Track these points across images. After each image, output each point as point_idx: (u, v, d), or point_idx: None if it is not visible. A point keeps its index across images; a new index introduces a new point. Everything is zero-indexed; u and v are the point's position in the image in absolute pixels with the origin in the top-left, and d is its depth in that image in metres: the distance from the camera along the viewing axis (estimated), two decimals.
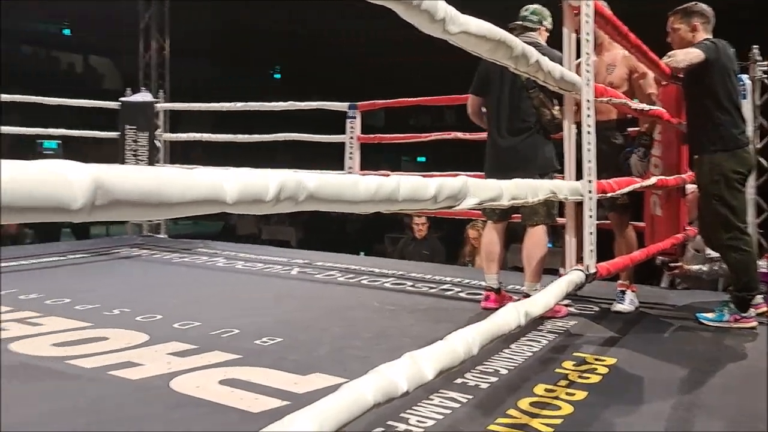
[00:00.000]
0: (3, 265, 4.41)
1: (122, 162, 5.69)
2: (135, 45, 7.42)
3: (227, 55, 15.31)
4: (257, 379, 2.19)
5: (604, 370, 2.38)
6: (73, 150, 9.51)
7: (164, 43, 7.19)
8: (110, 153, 5.95)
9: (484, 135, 3.49)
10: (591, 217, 2.51)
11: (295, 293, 3.78)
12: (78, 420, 1.87)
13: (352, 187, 1.00)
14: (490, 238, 3.39)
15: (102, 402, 2.01)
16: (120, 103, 5.81)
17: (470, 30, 1.40)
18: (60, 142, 9.22)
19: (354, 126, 4.89)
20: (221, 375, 2.23)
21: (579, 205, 2.58)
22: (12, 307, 3.17)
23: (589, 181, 2.51)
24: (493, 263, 3.34)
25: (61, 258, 4.83)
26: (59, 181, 0.58)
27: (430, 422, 1.86)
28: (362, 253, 6.70)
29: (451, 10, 1.30)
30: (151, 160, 5.65)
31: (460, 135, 4.71)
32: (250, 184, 0.79)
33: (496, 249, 3.35)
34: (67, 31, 13.49)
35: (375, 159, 5.40)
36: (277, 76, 17.89)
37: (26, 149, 9.31)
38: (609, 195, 2.76)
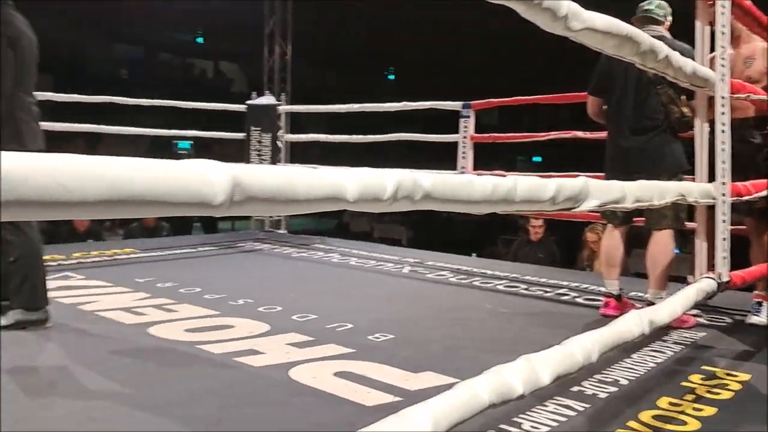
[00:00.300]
0: (143, 255, 4.84)
1: (247, 161, 6.04)
2: (260, 51, 7.84)
3: (343, 58, 15.77)
4: (370, 373, 2.25)
5: (737, 387, 2.20)
6: (203, 149, 10.23)
7: (286, 48, 7.52)
8: (236, 152, 6.33)
9: (604, 134, 3.34)
10: (724, 221, 2.34)
11: (407, 291, 3.83)
12: (211, 401, 2.01)
13: (468, 186, 1.00)
14: (610, 242, 3.24)
15: (229, 386, 2.14)
16: (246, 106, 6.16)
17: (595, 26, 1.35)
18: (192, 142, 9.94)
19: (467, 125, 4.86)
20: (336, 367, 2.31)
21: (711, 208, 2.42)
22: (150, 294, 3.46)
23: (723, 183, 2.35)
24: (614, 268, 3.19)
25: (192, 250, 5.20)
26: (203, 179, 0.63)
27: (544, 428, 1.81)
28: (474, 254, 6.66)
29: (574, 6, 1.27)
30: (273, 160, 5.95)
31: (579, 134, 4.54)
32: (370, 183, 0.82)
33: (618, 253, 3.20)
34: (200, 40, 14.52)
35: (489, 159, 5.34)
36: (391, 77, 18.15)
37: (163, 149, 10.13)
38: (745, 198, 2.55)
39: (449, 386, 1.16)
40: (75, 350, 2.48)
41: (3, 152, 0.51)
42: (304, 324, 2.92)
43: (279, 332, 2.76)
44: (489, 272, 4.37)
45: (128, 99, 5.67)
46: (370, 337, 2.72)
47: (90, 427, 1.80)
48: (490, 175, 3.75)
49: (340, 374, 2.24)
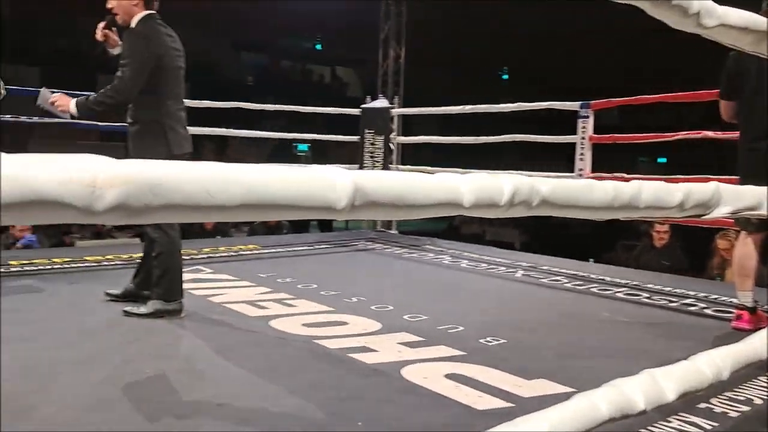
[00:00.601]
0: (265, 251, 5.10)
1: (360, 163, 6.19)
2: (375, 55, 8.01)
3: (457, 58, 15.72)
4: (481, 377, 2.24)
5: None
6: (319, 151, 10.63)
7: (400, 51, 7.62)
8: (351, 154, 6.52)
9: (737, 134, 3.10)
10: None
11: (520, 296, 3.76)
12: (327, 393, 2.09)
13: (588, 191, 0.98)
14: (744, 251, 3.00)
15: (343, 380, 2.22)
16: (361, 109, 6.32)
17: (730, 22, 1.27)
18: (309, 144, 10.37)
19: (586, 126, 4.69)
20: (447, 369, 2.32)
21: None
22: (271, 289, 3.65)
23: None
24: (748, 279, 2.96)
25: (309, 248, 5.42)
26: (328, 185, 0.68)
27: None
28: (591, 260, 6.40)
29: (707, 2, 1.19)
30: (386, 162, 6.06)
31: (710, 134, 4.24)
32: (486, 188, 0.82)
33: (752, 263, 2.96)
34: (318, 46, 15.08)
35: (608, 160, 5.10)
36: (505, 77, 17.85)
37: (284, 150, 10.65)
38: None
39: (563, 395, 1.14)
40: (206, 339, 2.67)
41: (158, 161, 0.57)
42: (415, 324, 2.96)
43: (391, 331, 2.82)
44: (608, 279, 4.19)
45: (254, 104, 6.02)
46: (481, 341, 2.70)
47: (217, 412, 1.93)
48: (611, 178, 3.61)
49: (450, 376, 2.25)
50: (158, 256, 3.00)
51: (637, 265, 5.28)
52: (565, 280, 4.15)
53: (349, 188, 0.69)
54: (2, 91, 3.91)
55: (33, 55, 10.03)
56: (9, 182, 0.48)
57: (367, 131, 6.17)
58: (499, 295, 3.74)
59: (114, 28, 3.02)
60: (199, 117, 7.98)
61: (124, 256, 4.45)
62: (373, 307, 3.25)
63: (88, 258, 4.47)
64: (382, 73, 7.83)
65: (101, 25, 3.00)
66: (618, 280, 4.13)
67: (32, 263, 4.20)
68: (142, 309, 2.99)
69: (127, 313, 2.98)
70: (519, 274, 4.39)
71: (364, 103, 6.45)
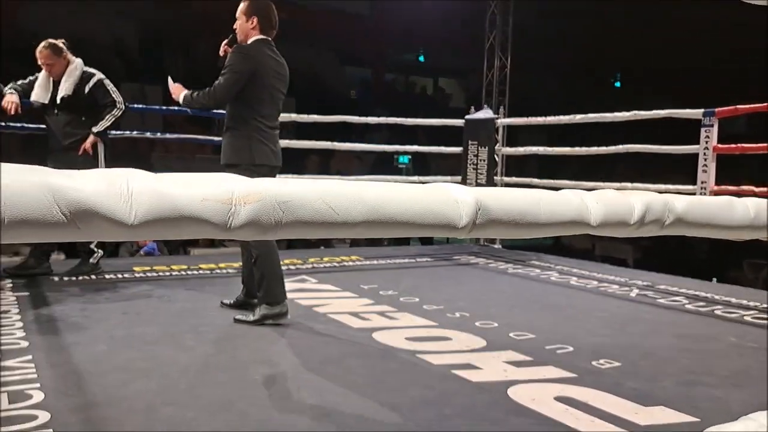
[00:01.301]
0: (367, 263, 5.16)
1: (464, 175, 6.12)
2: (477, 66, 7.95)
3: (566, 65, 15.27)
4: (594, 401, 2.12)
5: None
6: (420, 163, 10.66)
7: (506, 61, 7.50)
8: (454, 166, 6.47)
9: None
10: None
11: (635, 316, 3.55)
12: (429, 410, 2.06)
13: (727, 209, 0.89)
14: None
15: (447, 397, 2.18)
16: (464, 120, 6.27)
17: None
18: (410, 156, 10.42)
19: (710, 135, 4.37)
20: (557, 391, 2.22)
21: None
22: (373, 301, 3.68)
23: None
24: None
25: (411, 260, 5.42)
26: (449, 203, 0.65)
27: None
28: (714, 279, 5.95)
29: None
30: (490, 174, 5.96)
31: None
32: (615, 206, 0.77)
33: None
34: (421, 58, 15.21)
35: (734, 172, 4.73)
36: (618, 84, 17.11)
37: (387, 162, 10.78)
38: None
39: (687, 425, 1.04)
40: (311, 349, 2.73)
41: (287, 179, 0.58)
42: (521, 342, 2.86)
43: (496, 348, 2.74)
44: (733, 300, 3.87)
45: (356, 117, 6.15)
46: (593, 363, 2.57)
47: (320, 423, 1.96)
48: (737, 191, 3.35)
49: (560, 399, 2.15)
50: (256, 261, 3.14)
51: (766, 285, 4.84)
52: (686, 301, 3.87)
53: (471, 206, 0.67)
54: (122, 107, 4.23)
55: (156, 74, 10.82)
56: (155, 199, 0.50)
57: (470, 142, 6.10)
58: (613, 315, 3.55)
59: (234, 46, 3.23)
60: (305, 130, 8.27)
61: (236, 265, 4.66)
62: (477, 324, 3.18)
63: (202, 266, 4.72)
64: (486, 83, 7.75)
65: (224, 42, 3.26)
66: (745, 302, 3.80)
67: (153, 270, 4.49)
68: (251, 317, 3.11)
69: (238, 321, 3.11)
70: (634, 293, 4.15)
71: (468, 114, 6.39)
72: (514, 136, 8.77)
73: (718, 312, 3.60)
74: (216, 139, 5.80)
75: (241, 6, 3.19)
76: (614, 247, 9.42)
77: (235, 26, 3.21)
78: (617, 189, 3.79)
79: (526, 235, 0.71)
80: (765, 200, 0.95)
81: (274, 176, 3.36)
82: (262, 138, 3.16)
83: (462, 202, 0.67)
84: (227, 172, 2.56)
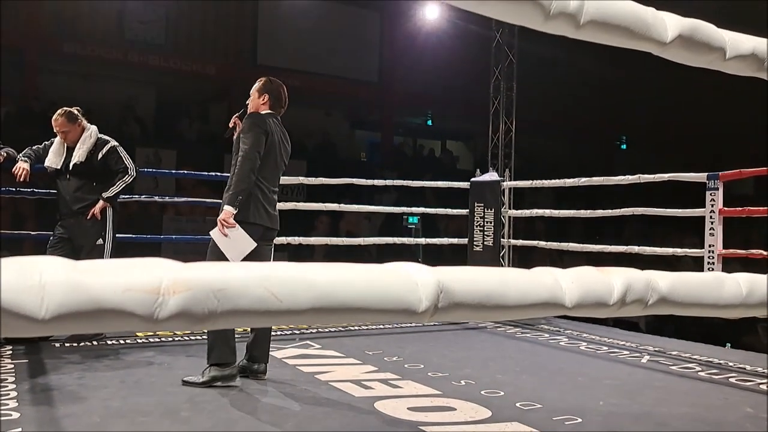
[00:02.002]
0: (373, 327, 5.08)
1: (470, 237, 6.09)
2: (485, 129, 8.04)
3: (572, 128, 15.45)
4: None
5: None
6: (429, 225, 10.65)
7: (511, 125, 7.59)
8: (462, 227, 6.45)
9: None
10: None
11: (647, 384, 3.42)
12: None
13: (716, 288, 0.85)
14: None
15: None
16: (470, 182, 6.29)
17: None
18: (419, 217, 10.42)
19: (715, 198, 4.33)
20: None
21: None
22: (377, 368, 3.59)
23: None
24: None
25: (418, 325, 5.32)
26: (407, 286, 0.62)
27: None
28: (728, 345, 5.77)
29: None
30: (496, 236, 5.92)
31: None
32: (592, 286, 0.73)
33: None
34: (429, 122, 15.49)
35: (745, 235, 4.67)
36: (624, 146, 17.25)
37: (396, 223, 10.78)
38: None
39: None
40: (312, 419, 2.64)
41: (222, 263, 0.55)
42: (528, 413, 2.75)
43: (501, 420, 2.64)
44: (748, 367, 3.73)
45: (363, 180, 6.23)
46: None
47: None
48: (746, 255, 3.27)
49: None
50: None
51: None
52: (698, 368, 3.74)
53: (431, 288, 0.63)
54: (133, 173, 4.29)
55: (171, 139, 11.06)
56: (70, 290, 0.47)
57: (476, 204, 6.10)
58: (623, 383, 3.42)
59: (247, 114, 3.37)
60: (315, 192, 8.33)
61: (240, 330, 4.60)
62: (483, 392, 3.08)
63: (207, 330, 4.66)
64: (492, 146, 7.81)
65: (236, 115, 3.44)
66: (760, 369, 3.66)
67: (156, 335, 4.43)
68: (200, 378, 3.11)
69: (186, 383, 3.10)
70: (645, 359, 4.02)
71: (474, 177, 6.41)
72: (522, 197, 8.77)
73: (732, 380, 3.47)
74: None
75: (256, 84, 3.41)
76: None
77: (247, 102, 3.41)
78: (624, 251, 3.71)
79: (494, 318, 0.67)
80: (762, 276, 0.90)
81: (270, 238, 3.39)
82: (262, 199, 3.23)
83: (422, 284, 0.63)
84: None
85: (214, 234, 3.19)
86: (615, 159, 15.71)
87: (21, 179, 4.09)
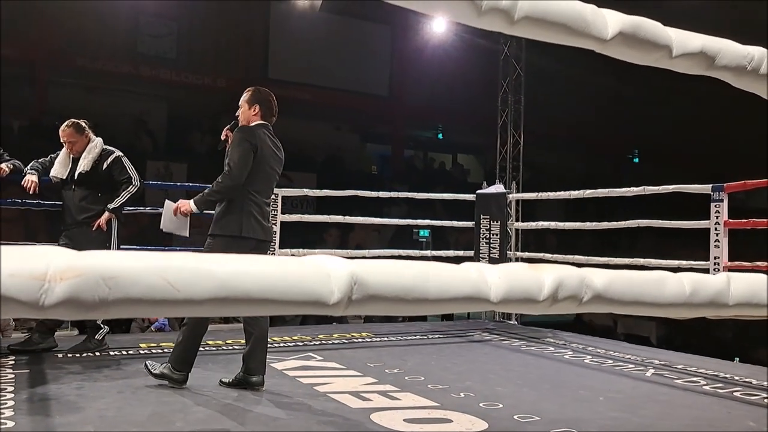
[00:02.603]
0: (377, 339, 5.05)
1: (476, 249, 6.06)
2: (495, 142, 8.03)
3: (584, 140, 15.38)
4: None
5: None
6: (439, 237, 10.62)
7: (519, 138, 7.58)
8: (470, 240, 6.42)
9: None
10: None
11: (649, 397, 3.36)
12: None
13: (657, 286, 0.83)
14: None
15: None
16: (475, 195, 6.28)
17: None
18: (430, 230, 10.40)
19: (720, 210, 4.27)
20: None
21: None
22: (377, 380, 3.57)
23: None
24: None
25: (423, 337, 5.29)
26: (318, 277, 0.62)
27: None
28: (736, 359, 5.66)
29: None
30: (503, 248, 5.88)
31: None
32: (520, 282, 0.72)
33: None
34: (440, 135, 15.52)
35: (754, 247, 4.59)
36: (636, 160, 17.13)
37: (406, 236, 10.76)
38: None
39: None
40: (307, 430, 2.63)
41: (117, 252, 0.56)
42: (525, 426, 2.72)
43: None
44: (754, 382, 3.65)
45: (368, 192, 6.24)
46: None
47: None
48: (751, 268, 3.22)
49: None
50: (184, 325, 3.31)
51: None
52: (703, 382, 3.67)
53: (344, 280, 0.63)
54: (137, 184, 4.34)
55: (182, 152, 11.17)
56: None
57: (482, 217, 6.08)
58: (626, 396, 3.37)
59: (237, 128, 3.39)
60: (325, 205, 8.35)
61: (242, 341, 4.60)
62: (481, 404, 3.05)
63: (209, 342, 4.66)
64: (500, 158, 7.79)
65: (227, 127, 3.46)
66: (766, 384, 3.58)
67: (160, 346, 4.45)
68: (156, 369, 3.27)
69: (146, 366, 3.31)
70: (649, 373, 3.95)
71: (480, 189, 6.41)
72: (532, 210, 8.71)
73: (737, 394, 3.40)
74: None
75: (245, 96, 3.41)
76: (637, 325, 9.09)
77: (237, 113, 3.41)
78: (629, 263, 3.65)
79: (415, 312, 0.66)
80: (704, 275, 0.89)
81: (264, 250, 3.41)
82: (254, 212, 3.26)
83: (334, 276, 0.63)
84: (212, 241, 2.58)
85: (168, 203, 3.43)
86: (627, 172, 15.58)
87: (31, 191, 4.17)
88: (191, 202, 3.37)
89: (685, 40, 0.92)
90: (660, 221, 4.92)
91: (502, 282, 0.72)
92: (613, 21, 0.87)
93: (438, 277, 0.70)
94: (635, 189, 4.93)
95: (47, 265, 0.53)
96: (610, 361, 4.29)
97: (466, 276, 0.72)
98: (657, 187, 4.80)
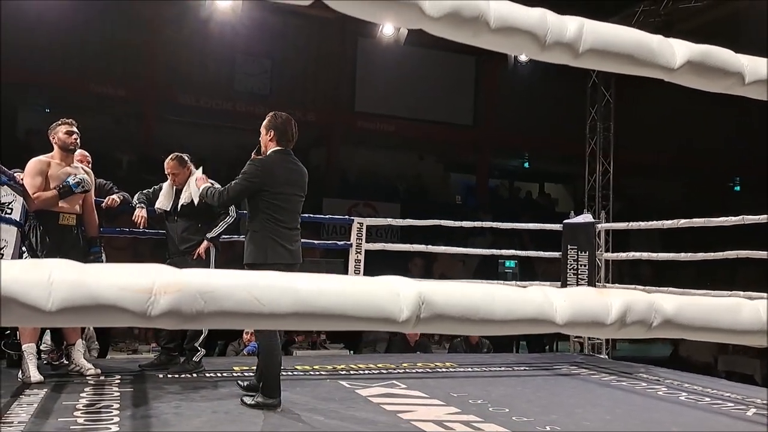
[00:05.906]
0: (461, 369, 5.01)
1: (563, 280, 5.91)
2: (582, 170, 7.86)
3: (683, 168, 14.70)
4: None
5: None
6: (527, 268, 10.41)
7: (608, 166, 7.39)
8: (559, 271, 6.27)
9: None
10: None
11: None
12: None
13: (731, 312, 0.82)
14: None
15: None
16: (562, 225, 6.15)
17: None
18: (516, 261, 10.23)
19: None
20: None
21: None
22: (460, 410, 3.54)
23: None
24: None
25: (508, 369, 5.19)
26: (389, 296, 0.67)
27: None
28: None
29: None
30: (591, 279, 5.71)
31: None
32: (586, 305, 0.74)
33: None
34: (526, 164, 15.33)
35: None
36: (737, 188, 16.16)
37: (491, 267, 10.64)
38: None
39: None
40: None
41: (212, 270, 0.63)
42: None
43: None
44: None
45: (451, 222, 6.24)
46: None
47: None
48: None
49: None
50: (260, 354, 3.50)
51: None
52: None
53: (412, 299, 0.67)
54: (233, 214, 4.58)
55: None
56: (74, 287, 0.56)
57: (570, 247, 5.94)
58: None
59: (251, 158, 3.58)
60: (410, 235, 8.44)
61: (329, 367, 4.70)
62: None
63: (298, 367, 4.79)
64: (589, 188, 7.61)
65: (254, 152, 3.63)
66: None
67: (251, 369, 4.61)
68: (249, 401, 3.41)
69: (243, 403, 3.44)
70: (750, 412, 3.69)
71: (567, 219, 6.27)
72: (625, 241, 8.39)
73: None
74: (324, 242, 6.06)
75: (264, 121, 3.58)
76: (740, 362, 8.45)
77: (261, 139, 3.59)
78: (728, 296, 3.47)
79: (480, 332, 0.69)
80: None
81: (294, 272, 3.49)
82: (278, 239, 3.40)
83: (403, 295, 0.68)
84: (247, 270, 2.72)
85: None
86: (727, 201, 14.72)
87: (140, 226, 4.55)
88: (203, 186, 3.86)
89: (757, 66, 0.91)
90: (761, 252, 4.63)
91: (568, 305, 0.74)
92: (680, 50, 0.88)
93: (504, 298, 0.73)
94: (733, 218, 4.67)
95: (153, 281, 0.61)
96: (708, 399, 4.04)
97: (532, 298, 0.74)
98: (756, 217, 4.53)
